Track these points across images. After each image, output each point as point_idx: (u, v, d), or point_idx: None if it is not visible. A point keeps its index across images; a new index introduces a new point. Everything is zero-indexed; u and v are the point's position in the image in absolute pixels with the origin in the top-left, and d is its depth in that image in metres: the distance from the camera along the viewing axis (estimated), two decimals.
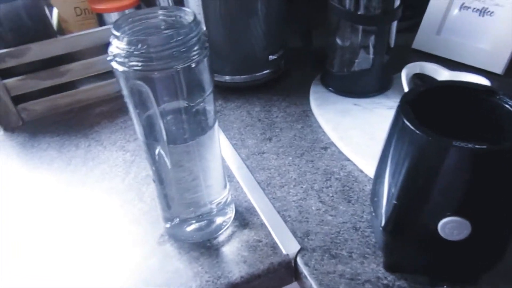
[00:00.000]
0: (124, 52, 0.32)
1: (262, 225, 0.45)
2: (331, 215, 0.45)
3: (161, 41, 0.32)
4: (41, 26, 0.63)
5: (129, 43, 0.32)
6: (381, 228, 0.36)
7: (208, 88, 0.37)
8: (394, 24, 0.58)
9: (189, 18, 0.34)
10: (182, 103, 0.36)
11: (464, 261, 0.35)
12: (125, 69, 0.32)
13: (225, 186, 0.44)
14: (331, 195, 0.48)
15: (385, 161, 0.35)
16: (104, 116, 0.64)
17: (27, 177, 0.54)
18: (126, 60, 0.32)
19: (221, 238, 0.44)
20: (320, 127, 0.58)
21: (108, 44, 0.33)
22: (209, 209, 0.43)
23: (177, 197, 0.42)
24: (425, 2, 0.71)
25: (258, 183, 0.50)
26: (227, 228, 0.45)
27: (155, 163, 0.39)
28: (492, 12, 0.65)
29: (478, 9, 0.66)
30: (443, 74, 0.55)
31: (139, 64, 0.32)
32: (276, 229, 0.44)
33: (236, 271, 0.40)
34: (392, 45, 0.60)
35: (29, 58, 0.59)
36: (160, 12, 0.36)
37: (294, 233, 0.44)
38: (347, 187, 0.49)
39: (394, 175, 0.34)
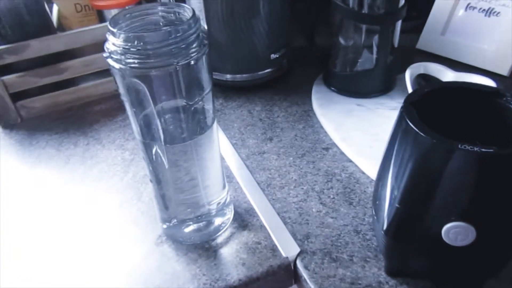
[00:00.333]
0: (121, 49, 0.31)
1: (262, 226, 0.44)
2: (332, 218, 0.45)
3: (158, 38, 0.31)
4: (41, 22, 0.62)
5: (126, 40, 0.31)
6: (382, 232, 0.36)
7: (207, 86, 0.36)
8: (398, 24, 0.57)
9: (188, 14, 0.33)
10: (180, 102, 0.35)
11: (468, 266, 0.34)
12: (122, 66, 0.32)
13: (224, 187, 0.44)
14: (332, 197, 0.47)
15: (388, 163, 0.34)
16: (103, 114, 0.63)
17: (25, 175, 0.54)
18: (123, 57, 0.31)
19: (220, 239, 0.43)
20: (322, 127, 0.57)
21: None
22: (208, 210, 0.42)
23: (174, 198, 0.41)
24: (430, 2, 0.70)
25: (258, 183, 0.49)
26: (226, 229, 0.44)
27: (152, 163, 0.38)
28: (499, 13, 0.64)
29: (484, 10, 0.65)
30: (447, 75, 0.54)
31: (136, 61, 0.31)
32: (276, 231, 0.43)
33: (235, 274, 0.40)
34: (396, 45, 0.59)
35: (28, 54, 0.59)
36: (159, 8, 0.35)
37: (294, 235, 0.43)
38: (349, 189, 0.48)
39: (397, 178, 0.33)
